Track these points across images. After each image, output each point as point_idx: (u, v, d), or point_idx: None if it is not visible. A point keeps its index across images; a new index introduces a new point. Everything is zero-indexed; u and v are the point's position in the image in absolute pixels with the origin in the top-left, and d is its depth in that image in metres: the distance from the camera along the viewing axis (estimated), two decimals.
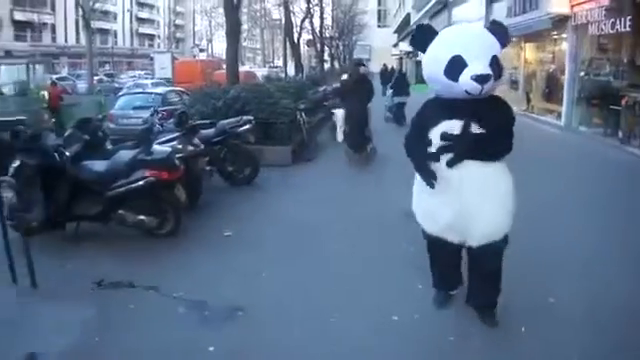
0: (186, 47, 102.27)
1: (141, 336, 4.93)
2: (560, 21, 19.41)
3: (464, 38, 4.81)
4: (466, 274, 5.16)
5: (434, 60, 4.70)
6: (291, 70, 42.57)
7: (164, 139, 8.78)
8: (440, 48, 4.70)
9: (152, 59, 62.05)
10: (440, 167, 4.71)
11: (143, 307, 5.51)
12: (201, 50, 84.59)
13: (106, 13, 78.52)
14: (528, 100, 24.43)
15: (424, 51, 4.82)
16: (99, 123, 9.13)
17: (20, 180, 7.21)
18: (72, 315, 5.33)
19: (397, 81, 22.55)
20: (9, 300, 5.77)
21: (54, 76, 35.72)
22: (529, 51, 24.62)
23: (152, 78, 43.19)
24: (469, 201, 4.69)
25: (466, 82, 4.49)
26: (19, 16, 70.65)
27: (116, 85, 43.77)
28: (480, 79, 4.47)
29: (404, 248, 6.58)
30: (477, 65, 4.49)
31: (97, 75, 46.33)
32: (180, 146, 8.40)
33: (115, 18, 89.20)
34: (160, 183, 7.21)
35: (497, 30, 4.83)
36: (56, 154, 7.41)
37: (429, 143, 4.74)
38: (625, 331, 4.81)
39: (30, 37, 71.69)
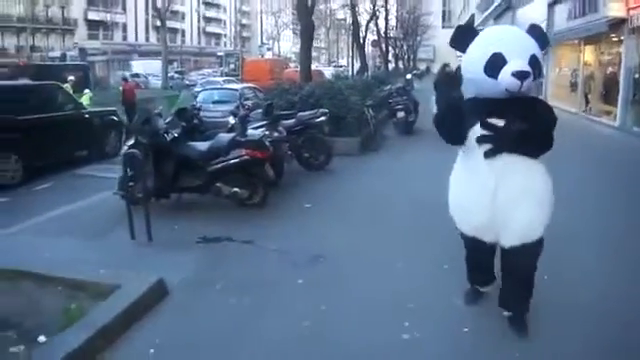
0: (252, 46, 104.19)
1: (244, 272, 6.31)
2: (617, 24, 19.97)
3: (504, 37, 4.81)
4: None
5: (474, 59, 4.69)
6: (355, 69, 43.79)
7: (253, 126, 10.13)
8: (480, 47, 4.69)
9: (220, 58, 64.32)
10: (474, 164, 4.75)
11: (242, 254, 6.91)
12: (268, 49, 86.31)
13: (175, 13, 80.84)
14: (587, 101, 24.92)
15: (464, 51, 4.81)
16: (196, 112, 10.56)
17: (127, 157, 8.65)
18: (185, 258, 6.74)
19: None
20: (131, 250, 7.18)
21: (127, 73, 37.78)
22: (588, 53, 25.12)
23: (221, 75, 45.01)
24: (504, 201, 4.65)
25: (506, 79, 4.47)
26: (92, 15, 73.33)
27: (187, 82, 45.30)
28: (520, 75, 4.44)
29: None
30: (517, 61, 4.48)
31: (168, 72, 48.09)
32: (268, 132, 9.72)
33: (183, 18, 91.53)
34: (253, 161, 8.60)
35: (536, 33, 4.79)
36: (165, 135, 8.83)
37: (465, 137, 4.75)
38: None
39: (102, 35, 74.34)
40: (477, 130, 4.66)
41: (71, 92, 17.44)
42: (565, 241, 6.30)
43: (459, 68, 4.94)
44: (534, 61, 4.55)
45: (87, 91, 23.24)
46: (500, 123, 4.59)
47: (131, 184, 8.34)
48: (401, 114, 17.97)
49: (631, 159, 14.38)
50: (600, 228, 7.72)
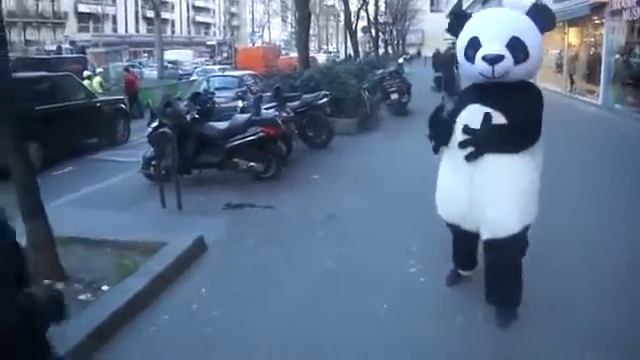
0: (241, 34, 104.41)
1: (270, 230, 7.30)
2: (598, 7, 21.06)
3: (484, 20, 4.74)
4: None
5: (459, 44, 4.70)
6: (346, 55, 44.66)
7: (264, 107, 11.03)
8: (464, 31, 4.67)
9: (210, 47, 65.10)
10: (455, 156, 4.70)
11: (265, 217, 7.89)
12: (259, 37, 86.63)
13: (165, 3, 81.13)
14: (572, 82, 25.91)
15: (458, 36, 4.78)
16: (210, 96, 11.50)
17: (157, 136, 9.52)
18: (215, 221, 7.69)
19: (436, 59, 28.68)
20: (165, 217, 8.10)
21: (126, 63, 38.35)
22: (572, 35, 26.07)
23: (214, 64, 45.55)
24: (478, 191, 4.60)
25: (479, 63, 4.42)
26: (83, 8, 73.41)
27: (180, 72, 45.66)
28: (489, 59, 4.36)
29: None
30: (489, 45, 4.39)
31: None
32: (277, 113, 10.62)
33: (173, 8, 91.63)
34: (268, 137, 9.57)
35: (536, 14, 4.57)
36: (186, 117, 9.72)
37: (454, 124, 4.70)
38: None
39: (93, 28, 74.52)
40: (462, 120, 4.63)
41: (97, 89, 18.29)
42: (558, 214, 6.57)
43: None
44: (514, 44, 4.38)
45: (96, 75, 24.08)
46: (477, 122, 4.51)
47: (153, 163, 9.29)
48: (395, 96, 18.96)
49: (614, 133, 15.72)
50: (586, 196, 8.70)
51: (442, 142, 4.87)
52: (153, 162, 9.64)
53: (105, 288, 5.60)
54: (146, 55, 65.62)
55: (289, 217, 7.80)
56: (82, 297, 5.42)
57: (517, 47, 4.37)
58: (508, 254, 4.63)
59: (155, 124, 9.79)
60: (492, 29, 4.55)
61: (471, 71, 4.60)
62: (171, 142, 8.66)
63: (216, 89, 19.28)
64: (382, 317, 5.00)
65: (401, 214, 7.73)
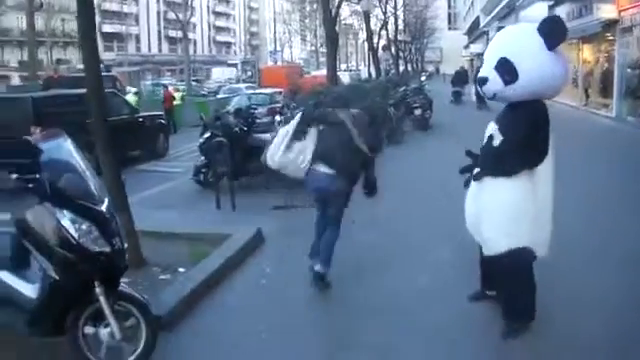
0: (261, 53, 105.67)
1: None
2: (609, 25, 22.01)
3: (491, 41, 4.83)
4: None
5: None
6: (364, 73, 45.70)
7: None
8: None
9: (230, 66, 66.67)
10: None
11: (309, 217, 8.74)
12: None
13: (187, 23, 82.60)
14: (587, 96, 26.77)
15: None
16: (252, 111, 12.61)
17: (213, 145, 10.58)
18: (267, 219, 8.69)
19: (456, 76, 32.13)
20: (222, 216, 9.28)
21: (163, 81, 39.68)
22: (586, 51, 26.95)
23: (237, 82, 46.65)
24: (478, 209, 4.76)
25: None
26: (107, 28, 75.00)
27: (205, 91, 46.81)
28: (478, 81, 4.57)
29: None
30: (483, 67, 4.55)
31: (183, 81, 49.58)
32: None
33: (194, 27, 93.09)
34: None
35: (545, 28, 4.42)
36: (236, 129, 10.83)
37: None
38: None
39: (117, 47, 76.10)
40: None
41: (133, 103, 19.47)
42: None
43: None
44: (501, 65, 4.40)
45: (134, 90, 25.35)
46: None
47: (203, 170, 10.40)
48: (418, 112, 20.16)
49: (627, 144, 16.70)
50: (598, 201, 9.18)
51: None
52: (203, 170, 10.76)
53: (182, 270, 6.62)
54: (169, 74, 66.90)
55: None
56: (162, 277, 6.48)
57: (504, 68, 4.39)
58: (501, 270, 4.76)
59: (207, 135, 10.91)
60: (489, 51, 4.68)
61: None
62: (225, 150, 9.75)
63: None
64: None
65: (426, 213, 8.81)
